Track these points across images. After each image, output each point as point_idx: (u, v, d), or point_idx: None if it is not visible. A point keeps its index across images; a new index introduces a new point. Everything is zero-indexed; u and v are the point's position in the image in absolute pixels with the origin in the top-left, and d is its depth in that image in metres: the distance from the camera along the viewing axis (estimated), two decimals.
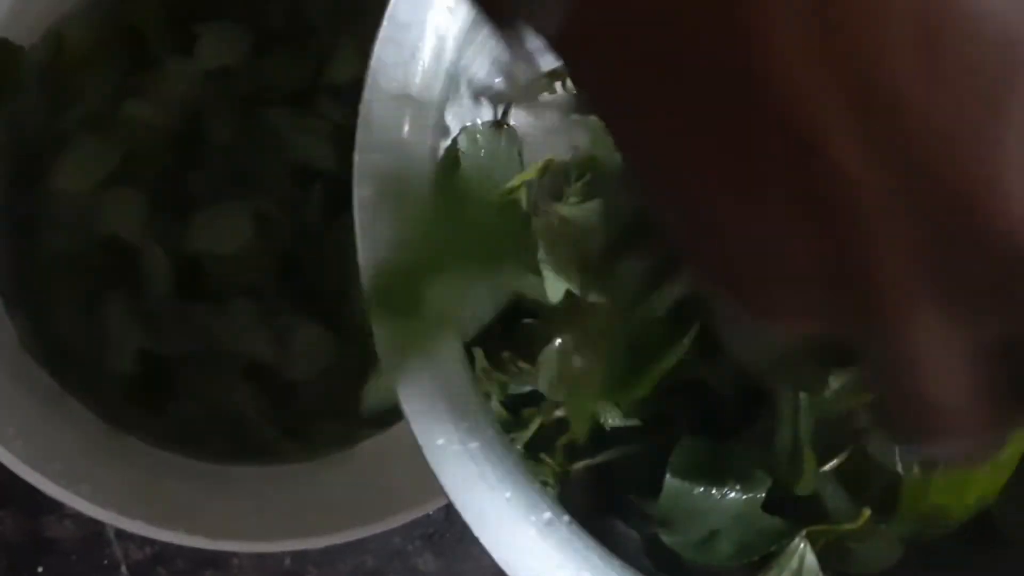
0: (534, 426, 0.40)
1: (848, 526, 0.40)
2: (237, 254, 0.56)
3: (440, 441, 0.37)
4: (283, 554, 0.60)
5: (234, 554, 0.60)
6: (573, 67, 0.23)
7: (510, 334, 0.41)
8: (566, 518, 0.38)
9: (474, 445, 0.37)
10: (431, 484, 0.48)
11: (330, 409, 0.56)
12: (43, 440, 0.50)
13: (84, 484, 0.47)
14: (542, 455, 0.41)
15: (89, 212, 0.56)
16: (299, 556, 0.60)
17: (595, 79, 0.22)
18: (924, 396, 0.22)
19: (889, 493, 0.40)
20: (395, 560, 0.61)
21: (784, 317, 0.23)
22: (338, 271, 0.56)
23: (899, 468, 0.39)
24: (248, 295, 0.56)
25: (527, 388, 0.40)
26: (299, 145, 0.56)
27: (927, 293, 0.21)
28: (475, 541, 0.65)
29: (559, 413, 0.40)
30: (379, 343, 0.37)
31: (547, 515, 0.38)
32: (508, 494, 0.37)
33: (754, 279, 0.22)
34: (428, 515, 0.60)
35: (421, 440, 0.37)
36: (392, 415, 0.56)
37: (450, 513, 0.60)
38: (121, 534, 0.60)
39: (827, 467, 0.39)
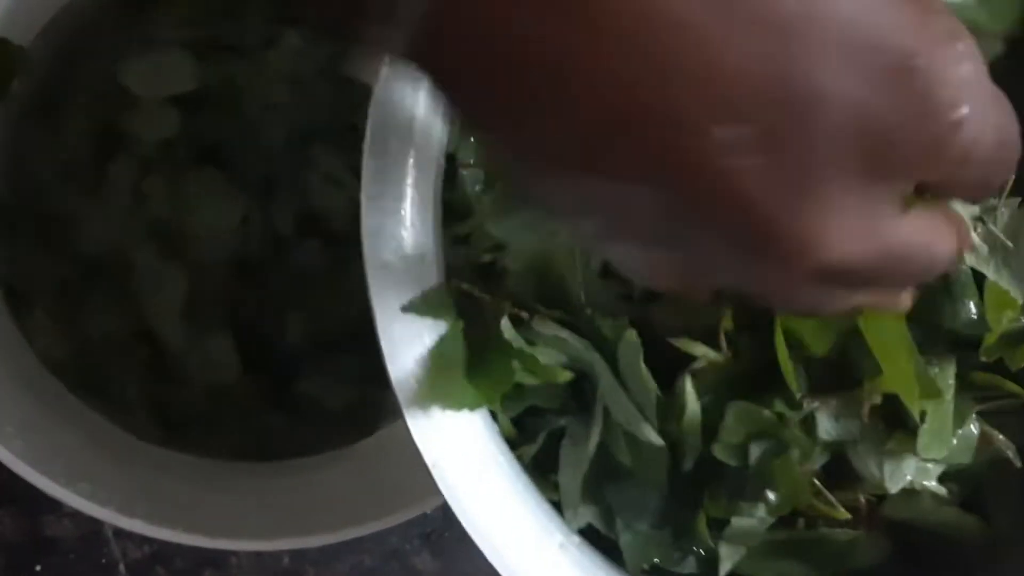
0: (541, 439, 0.40)
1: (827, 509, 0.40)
2: (200, 231, 0.56)
3: (455, 469, 0.37)
4: (281, 553, 0.60)
5: (233, 553, 0.60)
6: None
7: None
8: (576, 539, 0.39)
9: (489, 473, 0.37)
10: (429, 483, 0.48)
11: (216, 424, 0.57)
12: (43, 439, 0.50)
13: (83, 483, 0.47)
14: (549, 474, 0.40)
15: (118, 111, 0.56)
16: (297, 555, 0.60)
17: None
18: None
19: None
20: (393, 560, 0.61)
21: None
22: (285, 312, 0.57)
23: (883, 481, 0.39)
24: (185, 272, 0.56)
25: (530, 402, 0.40)
26: (318, 192, 0.57)
27: None
28: (472, 540, 0.65)
29: (561, 423, 0.40)
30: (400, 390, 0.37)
31: (559, 538, 0.38)
32: (522, 520, 0.37)
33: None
34: (426, 514, 0.60)
35: (433, 467, 0.36)
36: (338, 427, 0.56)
37: (448, 512, 0.60)
38: (119, 533, 0.60)
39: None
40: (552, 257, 0.39)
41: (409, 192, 0.38)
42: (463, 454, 0.37)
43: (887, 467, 0.39)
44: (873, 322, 0.37)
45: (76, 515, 0.60)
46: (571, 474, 0.39)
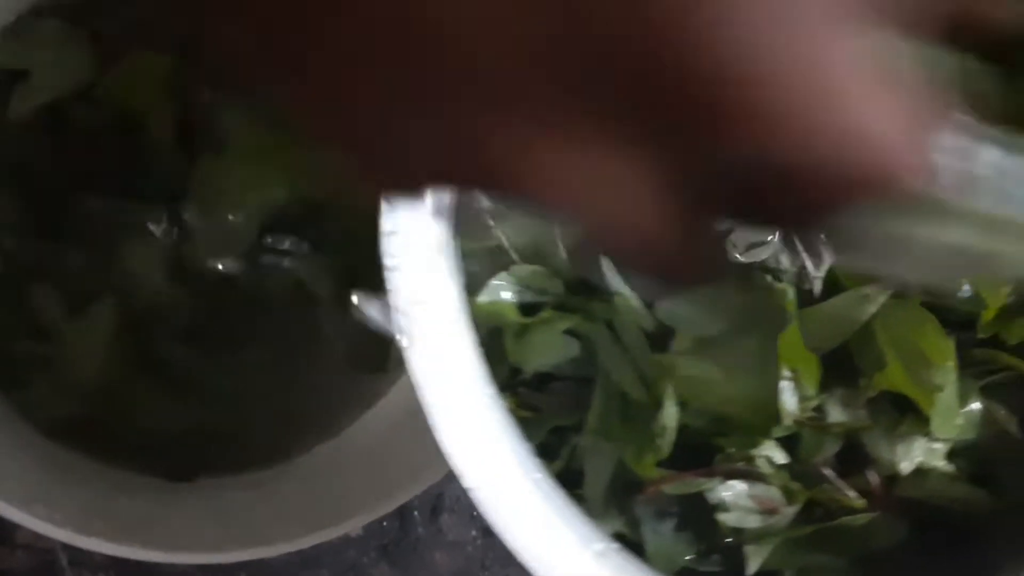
0: (564, 456, 0.42)
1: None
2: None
3: (494, 481, 0.37)
4: (238, 569, 0.60)
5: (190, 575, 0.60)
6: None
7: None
8: (615, 545, 0.40)
9: (529, 484, 0.38)
10: (383, 489, 0.49)
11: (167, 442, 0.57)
12: None
13: (38, 504, 0.47)
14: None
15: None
16: (254, 572, 0.60)
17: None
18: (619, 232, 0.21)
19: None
20: (351, 572, 0.61)
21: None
22: None
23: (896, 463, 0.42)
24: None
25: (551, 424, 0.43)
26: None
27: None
28: (429, 549, 0.66)
29: (581, 440, 0.43)
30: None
31: (599, 545, 0.39)
32: (560, 531, 0.38)
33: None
34: (383, 526, 0.60)
35: (468, 481, 0.37)
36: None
37: (404, 523, 0.61)
38: (74, 561, 0.60)
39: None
40: (545, 245, 0.41)
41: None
42: (501, 476, 0.38)
43: (899, 449, 0.41)
44: (888, 320, 0.40)
45: (29, 547, 0.60)
46: (595, 484, 0.42)
